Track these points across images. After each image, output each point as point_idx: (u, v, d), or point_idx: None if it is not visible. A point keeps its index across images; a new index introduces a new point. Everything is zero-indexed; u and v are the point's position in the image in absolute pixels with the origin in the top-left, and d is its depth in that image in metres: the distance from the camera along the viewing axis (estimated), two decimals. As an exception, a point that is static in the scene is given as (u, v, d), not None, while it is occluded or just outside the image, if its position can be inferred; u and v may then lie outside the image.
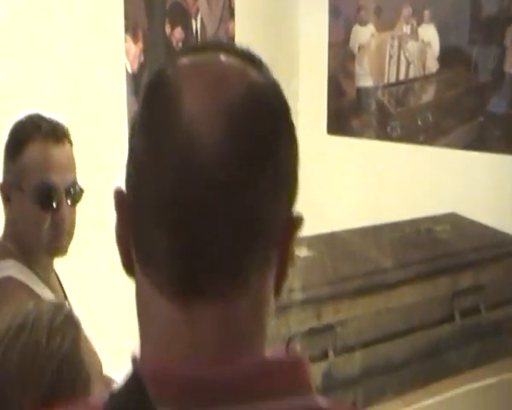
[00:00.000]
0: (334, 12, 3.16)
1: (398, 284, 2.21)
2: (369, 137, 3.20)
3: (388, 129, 3.15)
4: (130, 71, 2.67)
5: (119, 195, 0.58)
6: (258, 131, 0.57)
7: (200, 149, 0.54)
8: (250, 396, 0.55)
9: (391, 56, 3.11)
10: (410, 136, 3.08)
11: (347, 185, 3.26)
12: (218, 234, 0.55)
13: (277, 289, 0.61)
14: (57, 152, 1.26)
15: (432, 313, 2.34)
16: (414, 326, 2.29)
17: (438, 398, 2.42)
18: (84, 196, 1.35)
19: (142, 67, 2.70)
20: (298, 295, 2.11)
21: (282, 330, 1.98)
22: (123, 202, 0.58)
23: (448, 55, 2.94)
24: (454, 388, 2.44)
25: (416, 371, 2.31)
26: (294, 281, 2.18)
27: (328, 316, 2.10)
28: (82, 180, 1.38)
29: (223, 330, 0.56)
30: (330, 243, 2.54)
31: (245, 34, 3.04)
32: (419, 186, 3.04)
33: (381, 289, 2.19)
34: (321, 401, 0.59)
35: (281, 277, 0.61)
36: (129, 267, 0.59)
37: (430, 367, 2.34)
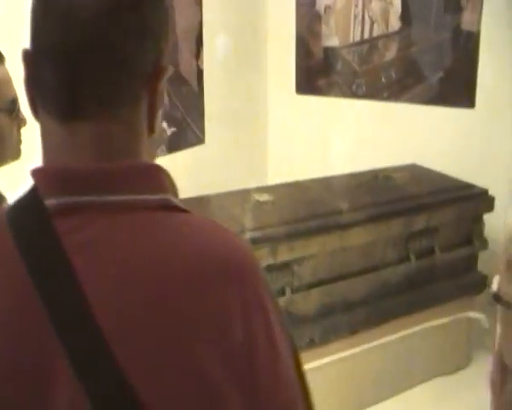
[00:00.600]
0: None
1: (352, 225, 2.32)
2: (336, 96, 3.31)
3: (354, 87, 3.25)
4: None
5: (24, 52, 0.73)
6: None
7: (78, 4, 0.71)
8: (117, 189, 0.72)
9: (355, 16, 3.21)
10: (375, 93, 3.19)
11: (314, 141, 3.38)
12: (93, 70, 0.71)
13: (150, 126, 0.76)
14: (5, 70, 1.41)
15: (387, 255, 2.46)
16: (369, 267, 2.41)
17: (393, 336, 2.55)
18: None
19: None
20: (254, 234, 2.23)
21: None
22: (27, 55, 0.72)
23: (409, 14, 3.05)
24: (409, 327, 2.56)
25: (372, 310, 2.43)
26: (251, 221, 2.29)
27: (284, 254, 2.22)
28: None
29: (98, 143, 0.73)
30: (290, 189, 2.67)
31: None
32: (383, 141, 3.16)
33: (336, 230, 2.30)
34: (176, 200, 0.77)
35: (151, 114, 0.76)
36: (34, 110, 0.75)
37: (385, 306, 2.46)
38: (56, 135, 0.72)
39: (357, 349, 2.42)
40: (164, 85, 0.77)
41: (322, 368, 2.33)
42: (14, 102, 1.38)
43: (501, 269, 0.83)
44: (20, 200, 0.73)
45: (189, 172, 3.08)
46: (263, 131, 3.51)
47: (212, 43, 3.15)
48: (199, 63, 3.14)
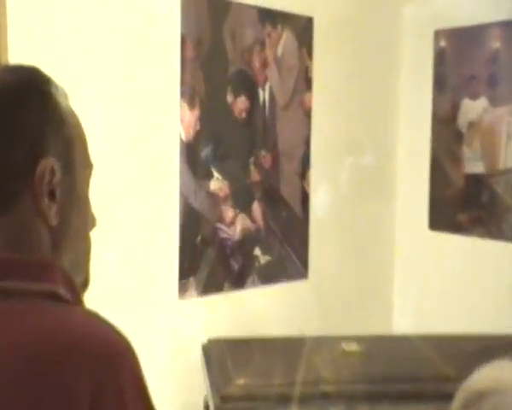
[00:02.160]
0: (440, 83, 2.74)
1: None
2: (481, 236, 2.64)
3: (504, 226, 2.57)
4: (184, 139, 2.48)
5: None
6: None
7: None
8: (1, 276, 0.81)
9: (508, 136, 2.58)
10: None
11: (449, 289, 2.70)
12: None
13: (44, 220, 0.85)
14: None
15: None
16: None
17: None
18: None
19: (198, 135, 2.50)
20: (327, 388, 1.90)
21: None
22: None
23: None
24: None
25: None
26: (327, 372, 2.02)
27: None
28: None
29: None
30: (389, 342, 2.18)
31: (324, 108, 2.73)
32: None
33: (434, 400, 1.77)
34: (64, 292, 0.83)
35: (40, 209, 0.85)
36: None
37: None
38: None
39: None
40: (83, 185, 0.91)
41: None
42: None
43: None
44: None
45: (285, 309, 2.58)
46: (388, 273, 2.91)
47: (321, 163, 2.71)
48: (304, 185, 2.71)
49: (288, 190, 2.67)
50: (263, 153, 2.61)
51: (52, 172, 0.84)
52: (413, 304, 2.85)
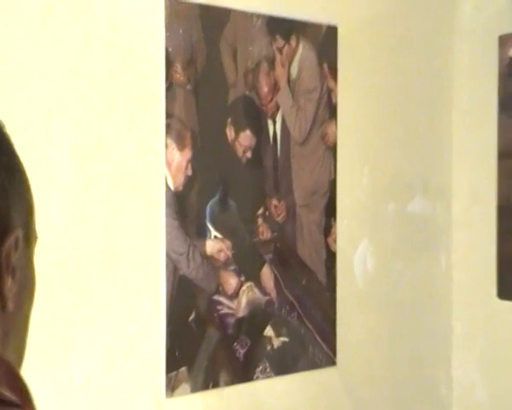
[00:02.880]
0: (508, 104, 2.16)
1: None
2: None
3: None
4: (172, 187, 1.97)
5: None
6: None
7: None
8: None
9: None
10: None
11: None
12: None
13: (2, 306, 0.75)
14: None
15: None
16: None
17: None
18: None
19: (189, 182, 1.98)
20: None
21: None
22: None
23: None
24: None
25: None
26: None
27: None
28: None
29: None
30: None
31: (353, 141, 2.17)
32: None
33: None
34: (7, 393, 0.71)
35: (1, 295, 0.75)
36: None
37: None
38: None
39: None
40: (33, 262, 0.80)
41: None
42: None
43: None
44: None
45: (308, 407, 2.02)
46: (443, 357, 2.28)
47: (351, 214, 2.14)
48: (329, 242, 2.13)
49: (308, 250, 2.12)
50: (274, 202, 2.08)
51: (16, 245, 0.76)
52: (477, 396, 2.22)
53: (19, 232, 0.77)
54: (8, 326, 0.78)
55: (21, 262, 0.79)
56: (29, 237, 0.81)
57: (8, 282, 0.76)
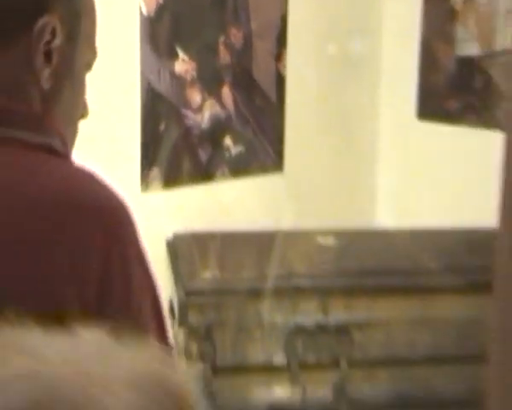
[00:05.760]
0: None
1: (441, 290, 1.69)
2: (472, 125, 2.53)
3: (498, 113, 2.46)
4: (145, 13, 2.30)
5: None
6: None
7: None
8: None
9: (508, 12, 2.44)
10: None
11: (437, 183, 2.61)
12: None
13: (37, 81, 0.84)
14: None
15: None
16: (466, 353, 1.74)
17: None
18: None
19: (160, 8, 2.32)
20: (300, 281, 1.89)
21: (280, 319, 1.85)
22: None
23: None
24: None
25: None
26: (300, 265, 1.98)
27: (338, 313, 1.85)
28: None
29: None
30: (365, 236, 2.15)
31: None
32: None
33: (416, 293, 1.81)
34: (60, 146, 0.86)
35: (33, 66, 0.83)
36: None
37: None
38: None
39: None
40: (81, 67, 0.89)
41: None
42: None
43: None
44: None
45: (258, 204, 2.49)
46: (369, 165, 2.80)
47: (299, 43, 2.54)
48: (280, 67, 2.55)
49: (262, 73, 2.51)
50: (234, 31, 2.45)
51: (53, 33, 0.82)
52: (396, 198, 2.76)
53: (55, 22, 0.81)
54: (46, 106, 0.84)
55: (60, 53, 0.83)
56: (72, 38, 0.84)
57: (41, 59, 0.81)
